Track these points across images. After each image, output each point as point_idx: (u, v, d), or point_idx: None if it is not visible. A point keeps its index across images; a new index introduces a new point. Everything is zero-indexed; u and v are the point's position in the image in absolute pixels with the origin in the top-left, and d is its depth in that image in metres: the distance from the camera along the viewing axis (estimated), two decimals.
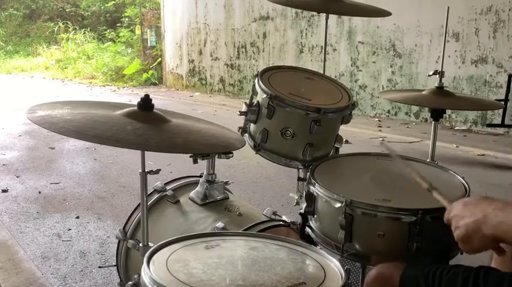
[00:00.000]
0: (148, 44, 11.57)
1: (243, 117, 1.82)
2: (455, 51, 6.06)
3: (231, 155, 1.66)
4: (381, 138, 5.45)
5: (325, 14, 2.33)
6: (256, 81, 1.78)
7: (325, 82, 1.96)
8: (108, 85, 10.97)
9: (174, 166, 4.00)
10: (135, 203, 1.92)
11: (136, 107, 1.29)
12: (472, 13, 5.86)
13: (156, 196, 1.79)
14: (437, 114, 2.00)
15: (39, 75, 12.66)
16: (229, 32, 9.31)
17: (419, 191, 1.31)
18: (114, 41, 13.64)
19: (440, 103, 1.94)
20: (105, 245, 2.78)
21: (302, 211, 1.53)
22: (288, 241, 1.19)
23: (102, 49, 13.36)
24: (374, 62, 7.01)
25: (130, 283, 1.49)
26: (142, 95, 1.31)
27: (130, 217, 1.82)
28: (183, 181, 1.88)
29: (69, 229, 3.00)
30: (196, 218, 1.68)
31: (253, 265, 1.04)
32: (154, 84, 11.23)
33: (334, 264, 1.08)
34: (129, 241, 1.70)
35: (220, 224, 1.54)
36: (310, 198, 1.47)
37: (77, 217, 3.18)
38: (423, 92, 1.97)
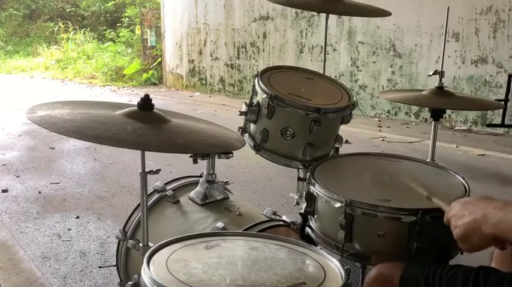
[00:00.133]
0: (148, 44, 11.57)
1: (243, 117, 1.82)
2: (455, 51, 6.06)
3: (231, 155, 1.66)
4: (381, 138, 5.45)
5: (325, 14, 2.33)
6: (256, 81, 1.78)
7: (325, 82, 1.96)
8: (108, 85, 10.97)
9: (174, 166, 4.00)
10: (135, 203, 1.92)
11: (136, 107, 1.29)
12: (472, 13, 5.86)
13: (156, 196, 1.79)
14: (437, 114, 2.00)
15: (39, 75, 12.66)
16: (229, 32, 9.31)
17: (419, 191, 1.31)
18: (114, 41, 13.64)
19: (440, 103, 1.94)
20: (105, 245, 2.78)
21: (302, 211, 1.53)
22: (288, 241, 1.19)
23: (102, 49, 13.36)
24: (374, 62, 7.01)
25: (130, 283, 1.49)
26: (142, 95, 1.31)
27: (130, 217, 1.82)
28: (183, 181, 1.88)
29: (69, 229, 3.00)
30: (196, 218, 1.68)
31: (253, 265, 1.04)
32: (154, 84, 11.23)
33: (334, 264, 1.08)
34: (129, 241, 1.70)
35: (220, 224, 1.54)
36: (310, 198, 1.47)
37: (77, 217, 3.18)
38: (423, 92, 1.97)
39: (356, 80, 7.26)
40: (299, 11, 7.79)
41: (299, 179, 1.90)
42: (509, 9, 5.59)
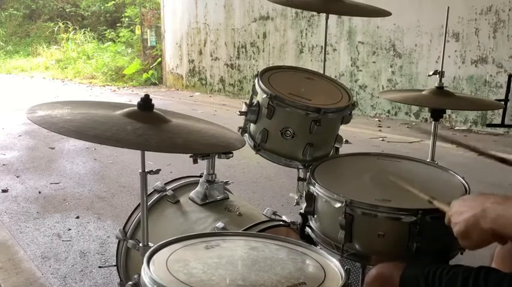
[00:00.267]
0: (148, 44, 11.57)
1: (243, 117, 1.82)
2: (455, 51, 6.06)
3: (231, 155, 1.66)
4: (381, 138, 5.45)
5: (325, 14, 2.33)
6: (256, 81, 1.78)
7: (325, 82, 1.96)
8: (108, 85, 10.96)
9: (174, 166, 4.00)
10: (135, 203, 1.92)
11: (136, 107, 1.29)
12: (472, 13, 5.86)
13: (156, 196, 1.79)
14: (437, 114, 2.00)
15: (39, 75, 12.66)
16: (229, 32, 9.31)
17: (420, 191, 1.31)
18: (114, 41, 13.64)
19: (440, 103, 1.94)
20: (105, 245, 2.78)
21: (302, 211, 1.53)
22: (288, 241, 1.19)
23: (102, 49, 13.36)
24: (374, 62, 7.01)
25: (130, 283, 1.49)
26: (142, 95, 1.31)
27: (130, 217, 1.82)
28: (183, 181, 1.88)
29: (69, 229, 3.00)
30: (196, 218, 1.68)
31: (253, 265, 1.04)
32: (154, 84, 11.23)
33: (334, 264, 1.08)
34: (129, 241, 1.70)
35: (220, 224, 1.54)
36: (310, 198, 1.47)
37: (77, 217, 3.18)
38: (423, 92, 1.97)
39: (356, 80, 7.26)
40: (299, 11, 7.79)
41: (299, 179, 1.90)
42: (509, 9, 5.59)
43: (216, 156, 1.71)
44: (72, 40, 14.20)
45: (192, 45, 10.19)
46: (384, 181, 1.51)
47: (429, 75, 2.04)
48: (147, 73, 11.29)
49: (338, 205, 1.35)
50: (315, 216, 1.48)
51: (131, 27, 13.07)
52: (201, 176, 1.78)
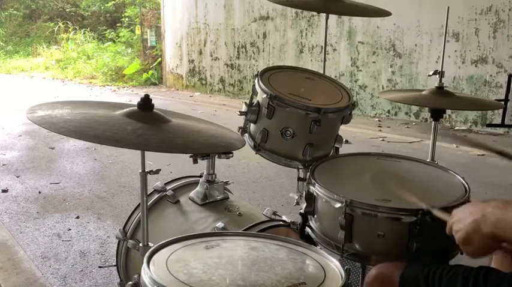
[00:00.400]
0: (148, 44, 11.57)
1: (243, 117, 1.82)
2: (455, 51, 6.06)
3: (231, 155, 1.66)
4: (381, 138, 5.45)
5: (325, 14, 2.33)
6: (256, 81, 1.78)
7: (325, 82, 1.96)
8: (108, 85, 10.96)
9: (174, 166, 4.00)
10: (135, 203, 1.92)
11: (136, 107, 1.29)
12: (472, 13, 5.86)
13: (156, 196, 1.79)
14: (437, 114, 2.00)
15: (39, 75, 12.66)
16: (229, 32, 9.31)
17: (419, 191, 1.31)
18: (114, 41, 13.64)
19: (440, 103, 1.94)
20: (105, 245, 2.78)
21: (302, 211, 1.53)
22: (288, 241, 1.19)
23: (102, 49, 13.36)
24: (374, 62, 7.01)
25: (130, 283, 1.49)
26: (142, 95, 1.31)
27: (130, 217, 1.82)
28: (183, 181, 1.88)
29: (69, 229, 3.00)
30: (196, 218, 1.68)
31: (253, 265, 1.04)
32: (154, 84, 11.22)
33: (334, 264, 1.08)
34: (129, 241, 1.70)
35: (220, 224, 1.54)
36: (310, 198, 1.47)
37: (77, 217, 3.18)
38: (423, 92, 1.97)
39: (356, 80, 7.26)
40: (299, 11, 7.79)
41: (299, 179, 1.90)
42: (509, 9, 5.59)
43: (216, 156, 1.71)
44: (72, 40, 14.20)
45: (192, 45, 10.19)
46: (384, 181, 1.51)
47: (429, 75, 2.04)
48: (147, 73, 11.29)
49: (338, 205, 1.35)
50: (315, 216, 1.48)
51: (131, 27, 13.07)
52: (201, 176, 1.78)
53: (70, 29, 14.80)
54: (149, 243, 1.42)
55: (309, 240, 1.46)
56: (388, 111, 6.94)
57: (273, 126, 1.73)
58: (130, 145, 1.15)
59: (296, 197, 1.94)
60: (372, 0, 2.54)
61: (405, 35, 6.58)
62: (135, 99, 1.42)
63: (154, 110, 1.30)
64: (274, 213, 1.66)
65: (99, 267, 2.51)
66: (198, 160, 1.65)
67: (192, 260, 1.05)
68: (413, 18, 6.40)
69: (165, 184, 1.85)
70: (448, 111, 6.11)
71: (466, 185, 1.48)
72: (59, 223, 3.10)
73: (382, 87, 6.92)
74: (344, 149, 1.88)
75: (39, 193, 3.66)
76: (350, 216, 1.33)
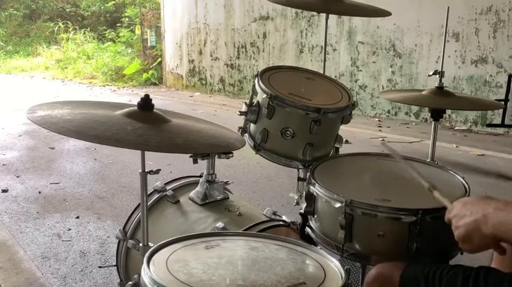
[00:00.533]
0: (148, 44, 11.57)
1: (243, 117, 1.82)
2: (455, 51, 6.06)
3: (231, 155, 1.66)
4: (381, 139, 5.45)
5: (325, 14, 2.33)
6: (256, 81, 1.78)
7: (325, 82, 1.96)
8: (108, 85, 10.97)
9: (174, 166, 4.00)
10: (135, 203, 1.92)
11: (136, 107, 1.29)
12: (472, 13, 5.86)
13: (156, 196, 1.79)
14: (437, 114, 2.00)
15: (39, 75, 12.66)
16: (229, 32, 9.31)
17: (419, 191, 1.31)
18: (114, 41, 13.64)
19: (440, 103, 1.94)
20: (105, 245, 2.78)
21: (302, 211, 1.53)
22: (288, 241, 1.19)
23: (102, 49, 13.36)
24: (374, 62, 7.01)
25: (130, 283, 1.49)
26: (142, 95, 1.31)
27: (130, 217, 1.82)
28: (183, 181, 1.88)
29: (69, 229, 3.00)
30: (196, 218, 1.68)
31: (253, 265, 1.04)
32: (154, 84, 11.23)
33: (334, 264, 1.08)
34: (129, 241, 1.70)
35: (220, 224, 1.54)
36: (310, 198, 1.47)
37: (77, 217, 3.18)
38: (423, 92, 1.97)
39: (356, 80, 7.26)
40: (299, 11, 7.79)
41: (299, 179, 1.90)
42: (509, 9, 5.59)
43: (216, 156, 1.71)
44: (72, 40, 14.20)
45: (192, 45, 10.19)
46: (384, 181, 1.51)
47: (429, 75, 2.04)
48: (147, 73, 11.29)
49: (338, 205, 1.35)
50: (315, 216, 1.48)
51: (131, 27, 13.07)
52: (201, 176, 1.78)
53: (70, 29, 14.80)
54: (149, 243, 1.42)
55: (309, 240, 1.46)
56: (388, 111, 6.94)
57: (273, 126, 1.73)
58: (130, 145, 1.15)
59: (296, 197, 1.94)
60: (372, 0, 2.54)
61: (405, 35, 6.58)
62: (135, 99, 1.42)
63: (154, 110, 1.30)
64: (274, 213, 1.66)
65: (99, 267, 2.51)
66: (198, 160, 1.65)
67: (192, 260, 1.05)
68: (413, 18, 6.40)
69: (165, 184, 1.85)
70: (448, 111, 6.11)
71: (466, 185, 1.48)
72: (59, 223, 3.10)
73: (382, 87, 6.92)
74: (344, 149, 1.88)
75: (39, 193, 3.66)
76: (350, 216, 1.33)
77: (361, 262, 1.43)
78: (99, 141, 1.14)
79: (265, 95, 1.69)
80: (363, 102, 7.18)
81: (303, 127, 1.69)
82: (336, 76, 7.16)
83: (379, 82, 6.99)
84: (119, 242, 1.83)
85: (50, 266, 2.52)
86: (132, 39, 12.71)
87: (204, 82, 10.09)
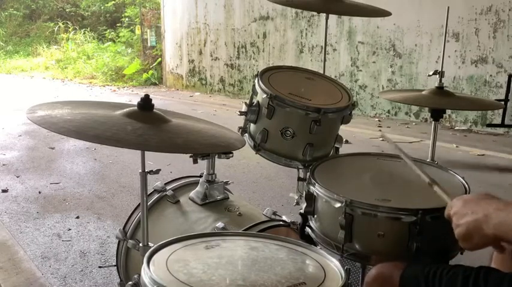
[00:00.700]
0: (148, 44, 11.57)
1: (243, 117, 1.82)
2: (455, 51, 6.06)
3: (231, 155, 1.66)
4: (381, 139, 5.45)
5: (325, 14, 2.33)
6: (256, 81, 1.78)
7: (325, 82, 1.96)
8: (108, 85, 10.97)
9: (174, 166, 4.00)
10: (135, 203, 1.92)
11: (136, 107, 1.29)
12: (472, 13, 5.86)
13: (156, 196, 1.79)
14: (437, 114, 2.00)
15: (39, 75, 12.66)
16: (229, 32, 9.31)
17: (420, 191, 1.31)
18: (114, 41, 13.64)
19: (440, 103, 1.94)
20: (105, 245, 2.78)
21: (302, 211, 1.53)
22: (288, 241, 1.19)
23: (102, 49, 13.36)
24: (374, 62, 7.01)
25: (130, 283, 1.49)
26: (142, 95, 1.31)
27: (130, 217, 1.82)
28: (183, 181, 1.88)
29: (69, 229, 3.00)
30: (196, 218, 1.68)
31: (253, 265, 1.04)
32: (154, 84, 11.23)
33: (334, 264, 1.08)
34: (129, 241, 1.70)
35: (220, 224, 1.54)
36: (310, 198, 1.47)
37: (77, 217, 3.18)
38: (423, 92, 1.97)
39: (356, 80, 7.26)
40: (299, 11, 7.79)
41: (299, 179, 1.90)
42: (509, 9, 5.59)
43: (216, 156, 1.71)
44: (72, 40, 14.20)
45: (192, 45, 10.19)
46: (384, 181, 1.51)
47: (429, 75, 2.04)
48: (147, 73, 11.29)
49: (338, 205, 1.35)
50: (315, 216, 1.48)
51: (131, 27, 13.07)
52: (201, 176, 1.78)
53: (70, 29, 14.80)
54: (149, 243, 1.42)
55: (309, 240, 1.45)
56: (388, 111, 6.94)
57: (273, 126, 1.73)
58: (130, 145, 1.15)
59: (296, 197, 1.93)
60: (372, 0, 2.54)
61: (405, 35, 6.58)
62: (135, 99, 1.42)
63: (154, 110, 1.30)
64: (274, 213, 1.66)
65: (99, 267, 2.51)
66: (198, 160, 1.65)
67: (192, 260, 1.05)
68: (413, 18, 6.40)
69: (165, 184, 1.85)
70: (448, 111, 6.11)
71: (466, 185, 1.48)
72: (59, 223, 3.10)
73: (382, 87, 6.92)
74: (344, 149, 1.88)
75: (39, 193, 3.66)
76: (350, 216, 1.33)
77: (361, 262, 1.43)
78: (99, 141, 1.14)
79: (265, 95, 1.69)
80: (363, 102, 7.18)
81: (303, 127, 1.69)
82: (336, 76, 7.16)
83: (379, 82, 6.99)
84: (118, 242, 1.83)
85: (50, 266, 2.52)
86: (132, 39, 12.71)
87: (204, 82, 10.09)
